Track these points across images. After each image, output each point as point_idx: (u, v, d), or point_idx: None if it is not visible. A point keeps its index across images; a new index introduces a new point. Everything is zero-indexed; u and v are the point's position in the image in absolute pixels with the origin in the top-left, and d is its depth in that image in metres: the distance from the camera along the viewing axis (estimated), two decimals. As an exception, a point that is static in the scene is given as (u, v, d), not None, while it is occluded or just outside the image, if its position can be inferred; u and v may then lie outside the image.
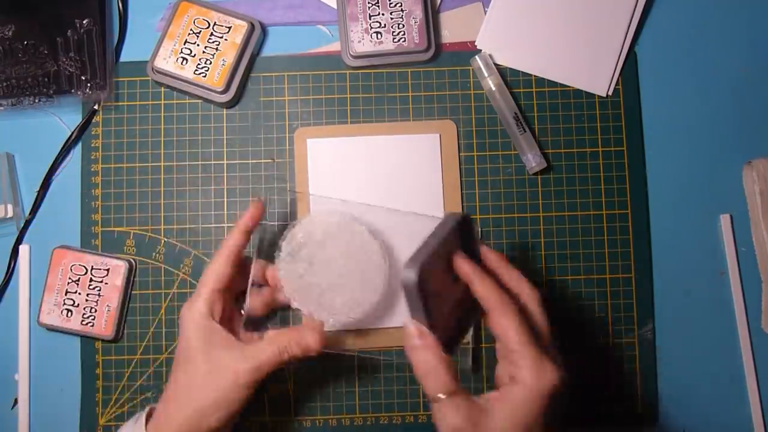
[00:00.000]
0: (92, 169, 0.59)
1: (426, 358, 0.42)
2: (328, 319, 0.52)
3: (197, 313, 0.48)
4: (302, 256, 0.52)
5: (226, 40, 0.57)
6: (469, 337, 0.57)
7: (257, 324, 0.55)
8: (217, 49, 0.57)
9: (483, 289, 0.42)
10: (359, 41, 0.57)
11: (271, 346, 0.48)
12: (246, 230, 0.51)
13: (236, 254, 0.50)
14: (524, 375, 0.40)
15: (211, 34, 0.57)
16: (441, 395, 0.40)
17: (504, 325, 0.41)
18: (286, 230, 0.53)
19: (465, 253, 0.45)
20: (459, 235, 0.45)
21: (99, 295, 0.56)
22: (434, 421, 0.41)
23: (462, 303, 0.46)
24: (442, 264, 0.44)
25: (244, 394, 0.47)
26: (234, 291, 0.52)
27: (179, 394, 0.47)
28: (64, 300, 0.56)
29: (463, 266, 0.44)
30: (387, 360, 0.57)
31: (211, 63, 0.57)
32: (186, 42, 0.57)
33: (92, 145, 0.59)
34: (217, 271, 0.49)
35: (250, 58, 0.59)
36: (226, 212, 0.58)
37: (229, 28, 0.57)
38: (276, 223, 0.58)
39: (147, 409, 0.49)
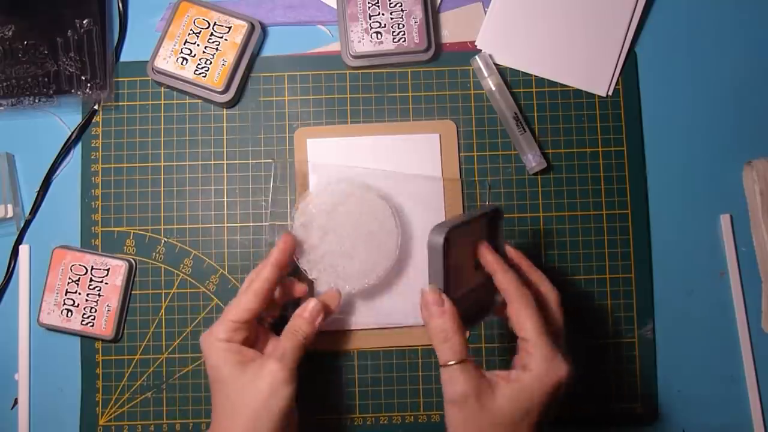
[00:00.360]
0: (92, 169, 0.59)
1: (444, 325, 0.43)
2: (344, 287, 0.53)
3: (215, 338, 0.47)
4: (315, 226, 0.53)
5: (226, 40, 0.57)
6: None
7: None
8: (217, 49, 0.57)
9: (505, 280, 0.45)
10: (359, 41, 0.57)
11: (286, 334, 0.48)
12: (279, 265, 0.49)
13: (268, 290, 0.48)
14: (535, 364, 0.42)
15: (211, 34, 0.57)
16: (452, 362, 0.42)
17: (522, 316, 0.43)
18: (298, 202, 0.54)
19: (490, 245, 0.47)
20: (487, 226, 0.47)
21: (99, 295, 0.56)
22: (442, 386, 0.43)
23: (478, 293, 0.47)
24: (467, 246, 0.46)
25: (286, 391, 0.46)
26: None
27: (226, 414, 0.46)
28: (64, 300, 0.56)
29: (488, 255, 0.46)
30: (387, 360, 0.57)
31: (211, 63, 0.57)
32: (186, 42, 0.57)
33: (92, 145, 0.59)
34: (245, 306, 0.48)
35: (250, 58, 0.59)
36: (226, 212, 0.58)
37: (229, 28, 0.57)
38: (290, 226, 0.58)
39: None
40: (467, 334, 0.56)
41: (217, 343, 0.47)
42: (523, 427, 0.42)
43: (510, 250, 0.49)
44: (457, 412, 0.42)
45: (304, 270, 0.53)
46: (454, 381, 0.42)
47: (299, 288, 0.53)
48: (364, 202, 0.54)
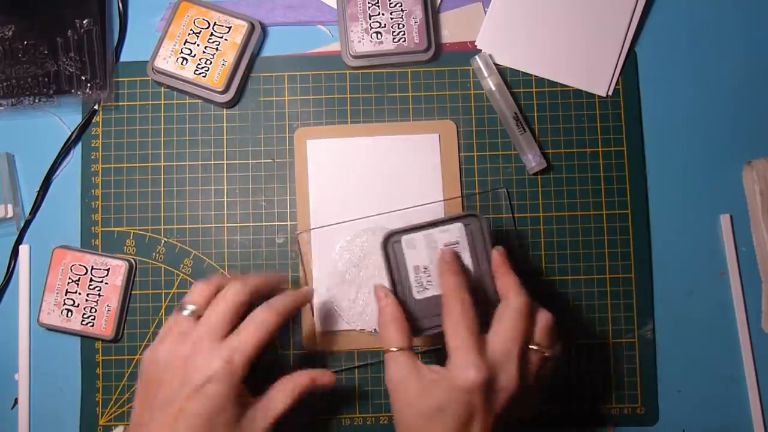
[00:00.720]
0: (92, 169, 0.59)
1: (388, 311, 0.46)
2: None
3: (236, 379, 0.43)
4: (348, 281, 0.56)
5: (226, 40, 0.57)
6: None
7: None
8: (217, 49, 0.57)
9: (444, 282, 0.46)
10: (359, 41, 0.57)
11: (283, 393, 0.46)
12: (288, 316, 0.47)
13: (272, 335, 0.46)
14: (449, 364, 0.43)
15: (211, 34, 0.57)
16: (393, 348, 0.45)
17: (444, 321, 0.45)
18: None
19: (475, 255, 0.49)
20: (480, 232, 0.49)
21: (99, 295, 0.56)
22: (385, 371, 0.45)
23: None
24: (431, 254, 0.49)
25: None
26: None
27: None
28: (64, 300, 0.56)
29: (441, 261, 0.47)
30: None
31: (211, 63, 0.57)
32: (186, 42, 0.57)
33: (92, 145, 0.59)
34: (256, 350, 0.44)
35: (250, 58, 0.59)
36: (226, 212, 0.58)
37: (229, 28, 0.57)
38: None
39: None
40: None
41: (235, 391, 0.43)
42: (437, 423, 0.42)
43: (495, 256, 0.48)
44: (393, 396, 0.44)
45: (351, 325, 0.56)
46: (391, 367, 0.45)
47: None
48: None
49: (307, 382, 0.47)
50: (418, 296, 0.49)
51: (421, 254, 0.48)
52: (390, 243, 0.49)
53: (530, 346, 0.45)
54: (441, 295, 0.46)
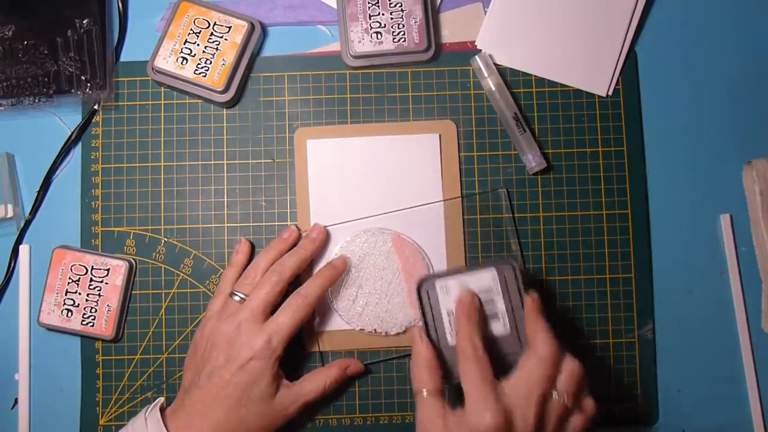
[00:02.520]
0: (92, 169, 0.59)
1: (423, 353, 0.47)
2: (392, 331, 0.56)
3: (274, 358, 0.50)
4: (347, 283, 0.56)
5: (226, 40, 0.57)
6: None
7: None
8: (217, 49, 0.57)
9: (458, 326, 0.47)
10: (359, 41, 0.57)
11: (314, 383, 0.52)
12: (318, 299, 0.53)
13: (305, 319, 0.52)
14: (467, 407, 0.44)
15: (211, 34, 0.57)
16: (424, 392, 0.46)
17: (460, 368, 0.46)
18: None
19: (509, 301, 0.49)
20: (513, 279, 0.49)
21: (99, 295, 0.56)
22: (415, 411, 0.46)
23: (502, 347, 0.49)
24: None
25: (286, 422, 0.52)
26: None
27: (229, 426, 0.49)
28: (64, 300, 0.56)
29: (457, 310, 0.48)
30: (387, 360, 0.57)
31: (211, 63, 0.57)
32: (186, 42, 0.57)
33: (92, 145, 0.59)
34: (291, 333, 0.51)
35: (250, 58, 0.59)
36: (226, 212, 0.58)
37: (229, 28, 0.57)
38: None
39: (158, 407, 0.51)
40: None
41: (274, 363, 0.50)
42: None
43: (527, 302, 0.48)
44: None
45: (351, 325, 0.56)
46: (421, 411, 0.46)
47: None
48: (386, 244, 0.57)
49: (338, 374, 0.53)
50: (451, 342, 0.49)
51: (454, 300, 0.49)
52: (424, 287, 0.50)
53: (554, 394, 0.44)
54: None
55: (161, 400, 0.52)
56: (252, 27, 0.57)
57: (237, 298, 0.52)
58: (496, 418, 0.42)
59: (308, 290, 0.52)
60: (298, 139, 0.58)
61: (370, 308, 0.56)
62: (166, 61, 0.57)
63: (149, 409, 0.51)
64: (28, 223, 0.59)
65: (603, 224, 0.58)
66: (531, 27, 0.60)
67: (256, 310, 0.51)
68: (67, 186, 0.59)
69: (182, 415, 0.50)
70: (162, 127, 0.59)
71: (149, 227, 0.58)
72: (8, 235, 0.58)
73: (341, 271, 0.55)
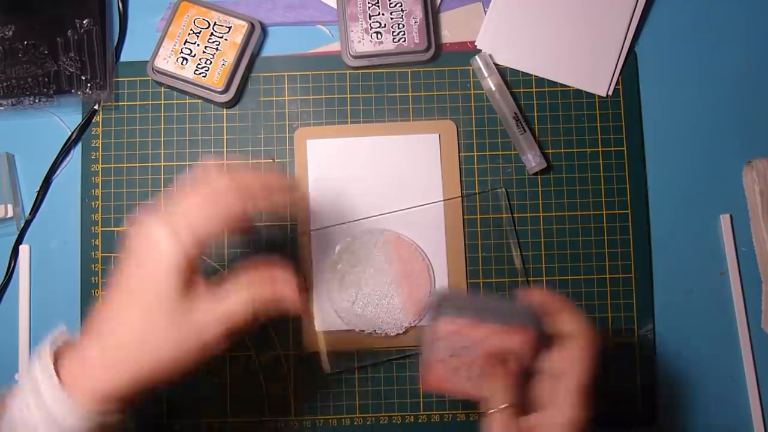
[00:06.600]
0: (92, 169, 0.59)
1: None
2: (391, 330, 0.56)
3: (183, 248, 0.38)
4: (347, 284, 0.56)
5: (226, 40, 0.57)
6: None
7: None
8: (217, 49, 0.57)
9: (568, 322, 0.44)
10: (359, 41, 0.57)
11: (242, 292, 0.41)
12: (251, 196, 0.42)
13: (230, 217, 0.41)
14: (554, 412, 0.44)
15: (211, 34, 0.57)
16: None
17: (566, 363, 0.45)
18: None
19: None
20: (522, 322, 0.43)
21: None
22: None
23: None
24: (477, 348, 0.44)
25: (205, 353, 0.40)
26: None
27: (131, 342, 0.39)
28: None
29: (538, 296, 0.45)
30: (387, 360, 0.57)
31: (211, 63, 0.57)
32: (186, 42, 0.57)
33: (92, 145, 0.59)
34: (205, 225, 0.40)
35: (250, 58, 0.59)
36: (226, 212, 0.58)
37: (229, 28, 0.57)
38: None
39: (52, 345, 0.40)
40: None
41: (182, 256, 0.38)
42: None
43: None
44: None
45: (351, 327, 0.56)
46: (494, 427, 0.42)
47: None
48: (385, 245, 0.57)
49: (269, 297, 0.41)
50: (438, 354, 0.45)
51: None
52: (442, 309, 0.44)
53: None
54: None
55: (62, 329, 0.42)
56: (252, 27, 0.57)
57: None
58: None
59: (242, 180, 0.41)
60: (298, 139, 0.58)
61: (369, 309, 0.56)
62: (166, 61, 0.57)
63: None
64: (28, 223, 0.59)
65: (603, 224, 0.58)
66: (531, 27, 0.60)
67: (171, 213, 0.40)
68: (67, 186, 0.59)
69: (79, 344, 0.40)
70: (162, 127, 0.59)
71: (149, 227, 0.58)
72: (8, 235, 0.58)
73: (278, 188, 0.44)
